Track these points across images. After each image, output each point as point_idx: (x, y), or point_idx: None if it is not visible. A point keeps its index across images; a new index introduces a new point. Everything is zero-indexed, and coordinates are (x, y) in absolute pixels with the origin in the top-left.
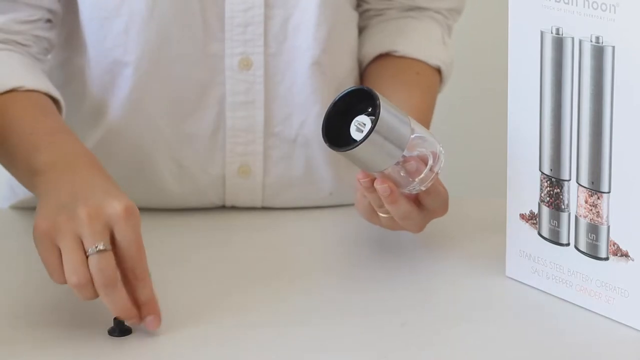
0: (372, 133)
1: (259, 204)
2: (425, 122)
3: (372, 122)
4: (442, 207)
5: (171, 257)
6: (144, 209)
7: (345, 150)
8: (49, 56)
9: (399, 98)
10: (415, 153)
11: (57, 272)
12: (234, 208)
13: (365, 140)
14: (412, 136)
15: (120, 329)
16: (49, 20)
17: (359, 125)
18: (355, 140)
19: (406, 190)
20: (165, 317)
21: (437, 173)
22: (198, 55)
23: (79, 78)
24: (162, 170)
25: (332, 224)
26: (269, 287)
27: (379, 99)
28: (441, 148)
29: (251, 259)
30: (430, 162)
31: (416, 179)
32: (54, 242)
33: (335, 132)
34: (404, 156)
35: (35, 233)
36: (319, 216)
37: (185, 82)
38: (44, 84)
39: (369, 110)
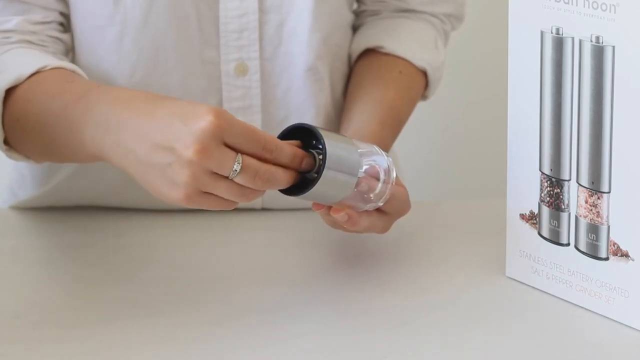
0: (325, 170)
1: (258, 206)
2: (397, 119)
3: (320, 161)
4: (404, 207)
5: (171, 257)
6: (145, 210)
7: (301, 194)
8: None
9: (374, 94)
10: (364, 169)
11: (230, 204)
12: (233, 209)
13: (319, 180)
14: (360, 155)
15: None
16: (61, 24)
17: None
18: (306, 178)
19: (365, 209)
20: (165, 316)
21: (391, 184)
22: (194, 62)
23: None
24: None
25: None
26: (268, 287)
27: (322, 137)
28: (389, 158)
29: (251, 259)
30: (382, 175)
31: (371, 195)
32: (203, 192)
33: None
34: (358, 179)
35: (183, 203)
36: (318, 216)
37: (181, 90)
38: (66, 63)
39: (313, 143)
